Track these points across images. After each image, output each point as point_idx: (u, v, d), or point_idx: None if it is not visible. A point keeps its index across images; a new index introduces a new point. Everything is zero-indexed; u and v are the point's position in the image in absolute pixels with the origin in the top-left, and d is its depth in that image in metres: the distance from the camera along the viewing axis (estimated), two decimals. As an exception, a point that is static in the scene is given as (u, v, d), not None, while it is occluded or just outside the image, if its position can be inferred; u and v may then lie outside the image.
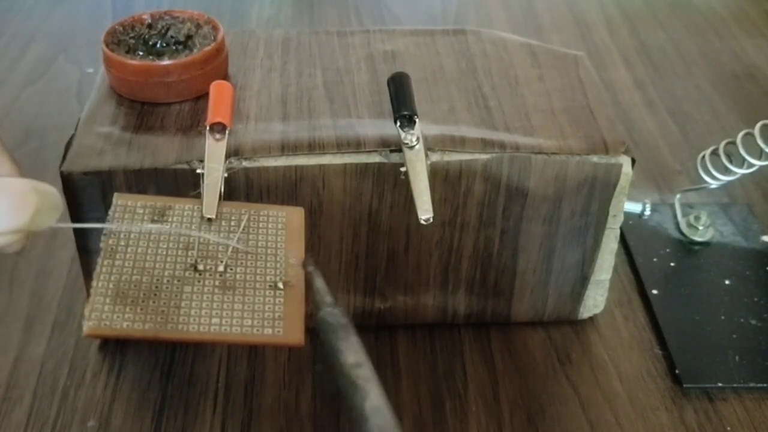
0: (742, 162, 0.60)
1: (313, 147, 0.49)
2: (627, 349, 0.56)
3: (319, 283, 0.39)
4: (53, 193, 0.37)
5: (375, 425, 0.31)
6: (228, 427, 0.50)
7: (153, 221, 0.44)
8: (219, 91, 0.50)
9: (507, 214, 0.51)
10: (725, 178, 0.62)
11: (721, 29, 0.95)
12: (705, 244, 0.64)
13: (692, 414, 0.51)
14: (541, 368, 0.54)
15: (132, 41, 0.55)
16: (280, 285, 0.42)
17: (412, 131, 0.48)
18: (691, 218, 0.64)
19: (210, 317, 0.40)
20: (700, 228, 0.64)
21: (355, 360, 0.33)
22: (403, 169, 0.47)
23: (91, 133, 0.50)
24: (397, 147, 0.48)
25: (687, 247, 0.63)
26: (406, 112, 0.49)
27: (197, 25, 0.56)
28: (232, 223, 0.45)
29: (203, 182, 0.45)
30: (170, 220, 0.44)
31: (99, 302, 0.39)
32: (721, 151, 0.61)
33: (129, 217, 0.44)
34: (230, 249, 0.43)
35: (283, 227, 0.45)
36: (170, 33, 0.55)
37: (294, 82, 0.55)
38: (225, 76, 0.55)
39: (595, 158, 0.50)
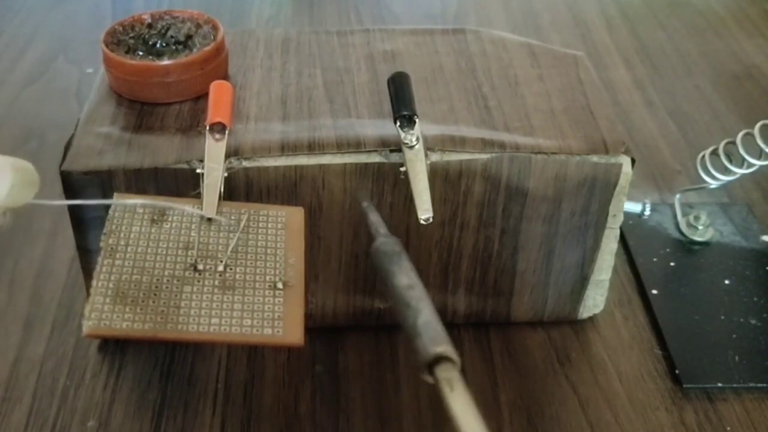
0: (741, 162, 0.60)
1: (313, 147, 0.49)
2: (627, 349, 0.56)
3: (374, 216, 0.42)
4: (29, 170, 0.37)
5: (428, 338, 0.33)
6: (227, 427, 0.50)
7: (153, 221, 0.44)
8: (219, 91, 0.50)
9: (507, 214, 0.51)
10: (725, 178, 0.62)
11: (720, 29, 0.95)
12: (705, 244, 0.64)
13: (692, 414, 0.51)
14: (540, 368, 0.54)
15: (132, 41, 0.55)
16: (280, 285, 0.42)
17: (411, 131, 0.48)
18: (691, 218, 0.64)
19: (210, 317, 0.40)
20: (700, 228, 0.64)
21: (408, 282, 0.36)
22: (402, 168, 0.47)
23: (90, 133, 0.50)
24: (397, 147, 0.48)
25: (687, 247, 0.63)
26: (406, 112, 0.49)
27: (197, 25, 0.56)
28: (232, 223, 0.45)
29: (203, 182, 0.45)
30: (170, 219, 0.44)
31: (99, 302, 0.39)
32: (720, 151, 0.61)
33: (129, 217, 0.44)
34: (230, 249, 0.43)
35: (282, 227, 0.45)
36: (170, 33, 0.55)
37: (294, 82, 0.55)
38: (225, 76, 0.55)
39: (595, 158, 0.50)
